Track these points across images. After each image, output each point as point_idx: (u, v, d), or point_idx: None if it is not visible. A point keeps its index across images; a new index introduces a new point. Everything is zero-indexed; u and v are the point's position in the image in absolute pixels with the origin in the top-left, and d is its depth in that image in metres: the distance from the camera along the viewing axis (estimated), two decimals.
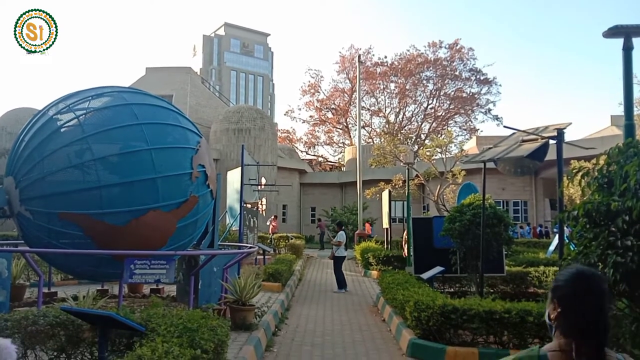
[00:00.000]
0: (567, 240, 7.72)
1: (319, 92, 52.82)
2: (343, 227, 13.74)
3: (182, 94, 39.86)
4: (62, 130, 7.12)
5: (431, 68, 48.52)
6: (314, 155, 54.70)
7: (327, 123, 53.40)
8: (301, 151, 53.29)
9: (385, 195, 20.26)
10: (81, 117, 7.20)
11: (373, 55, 50.54)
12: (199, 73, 71.10)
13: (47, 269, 9.84)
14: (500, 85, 63.76)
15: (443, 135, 29.11)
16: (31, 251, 7.36)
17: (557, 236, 9.56)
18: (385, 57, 57.80)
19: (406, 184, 17.93)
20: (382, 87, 50.42)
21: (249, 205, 15.56)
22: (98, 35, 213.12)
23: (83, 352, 4.58)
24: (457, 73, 48.46)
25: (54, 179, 6.86)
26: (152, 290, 10.18)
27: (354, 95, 46.36)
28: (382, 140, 37.68)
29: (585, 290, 1.68)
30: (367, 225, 27.08)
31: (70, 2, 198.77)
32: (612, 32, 5.41)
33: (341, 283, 12.95)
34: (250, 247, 10.49)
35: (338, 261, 13.12)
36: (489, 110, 49.26)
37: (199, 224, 8.22)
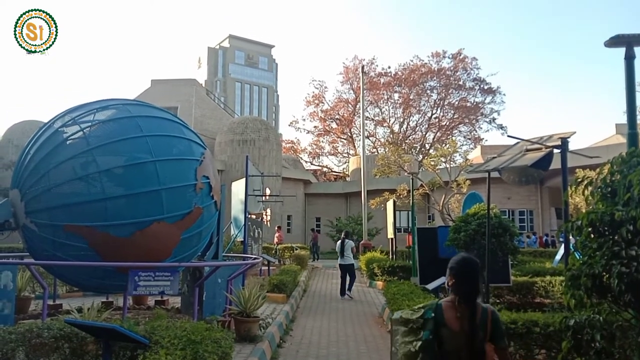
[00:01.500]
0: (572, 250, 7.67)
1: (323, 102, 53.12)
2: (345, 237, 13.93)
3: (187, 106, 40.10)
4: (68, 142, 7.16)
5: (435, 78, 48.73)
6: (318, 166, 54.84)
7: (332, 133, 53.58)
8: (305, 161, 53.41)
9: (389, 205, 20.21)
10: (86, 129, 7.25)
11: (377, 65, 50.97)
12: (203, 85, 71.57)
13: (52, 281, 9.87)
14: (504, 94, 63.85)
15: (447, 145, 29.01)
16: (36, 263, 7.37)
17: (563, 245, 9.49)
18: (389, 67, 58.15)
19: (411, 193, 17.91)
20: (386, 97, 50.64)
21: (253, 216, 15.58)
22: (104, 47, 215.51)
23: None
24: (460, 83, 48.66)
25: (59, 191, 6.89)
26: (156, 302, 10.17)
27: (358, 106, 46.49)
28: (386, 150, 37.69)
29: (468, 269, 2.80)
30: (408, 236, 25.87)
31: (75, 15, 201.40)
32: (614, 41, 5.43)
33: (342, 289, 13.62)
34: (255, 258, 10.48)
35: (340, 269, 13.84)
36: (493, 119, 49.42)
37: (203, 235, 8.23)
